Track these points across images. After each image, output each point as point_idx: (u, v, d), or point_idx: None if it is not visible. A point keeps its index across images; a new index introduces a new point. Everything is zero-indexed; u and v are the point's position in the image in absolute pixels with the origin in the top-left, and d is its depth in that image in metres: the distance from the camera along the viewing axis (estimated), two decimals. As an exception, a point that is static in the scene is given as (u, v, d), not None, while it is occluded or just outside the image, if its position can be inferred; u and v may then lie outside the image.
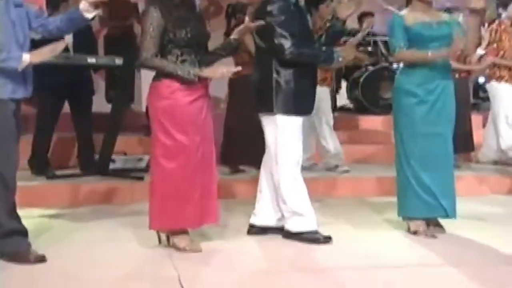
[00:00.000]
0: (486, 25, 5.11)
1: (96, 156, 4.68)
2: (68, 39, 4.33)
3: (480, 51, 4.75)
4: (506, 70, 5.03)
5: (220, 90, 4.81)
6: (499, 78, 5.05)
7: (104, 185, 4.37)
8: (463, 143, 4.85)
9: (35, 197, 4.02)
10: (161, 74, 2.97)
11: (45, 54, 2.78)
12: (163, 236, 3.14)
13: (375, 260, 3.04)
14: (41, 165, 4.54)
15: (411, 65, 3.39)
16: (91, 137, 4.70)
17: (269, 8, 3.16)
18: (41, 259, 2.86)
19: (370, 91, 6.49)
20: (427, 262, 3.04)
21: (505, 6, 5.00)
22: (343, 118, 6.16)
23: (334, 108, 6.08)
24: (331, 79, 5.20)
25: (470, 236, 3.45)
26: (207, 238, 3.28)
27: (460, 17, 4.33)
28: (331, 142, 4.93)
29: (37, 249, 2.92)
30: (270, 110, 3.20)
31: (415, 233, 3.42)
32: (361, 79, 6.53)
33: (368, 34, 6.76)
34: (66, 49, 4.08)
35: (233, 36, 3.12)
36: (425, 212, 3.41)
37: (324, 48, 3.30)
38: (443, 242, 3.33)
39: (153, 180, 3.06)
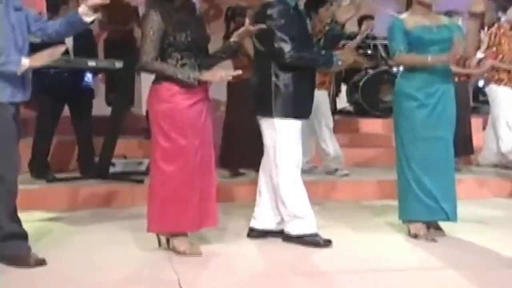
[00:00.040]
0: (486, 28, 5.12)
1: (96, 159, 4.68)
2: (68, 42, 4.36)
3: (479, 54, 4.76)
4: (505, 73, 5.04)
5: (220, 93, 4.82)
6: (498, 81, 5.05)
7: (104, 188, 4.37)
8: (463, 146, 4.85)
9: (35, 200, 4.02)
10: (161, 78, 2.98)
11: (44, 58, 2.79)
12: (163, 239, 3.14)
13: (376, 264, 3.04)
14: (41, 168, 4.54)
15: (411, 69, 3.39)
16: (91, 140, 4.70)
17: (269, 11, 3.17)
18: (41, 262, 2.86)
19: (370, 94, 6.50)
20: (427, 266, 3.04)
21: (504, 10, 5.01)
22: (343, 121, 6.17)
23: (334, 111, 6.09)
24: (330, 83, 5.20)
25: (471, 239, 3.45)
26: (207, 241, 3.28)
27: (460, 21, 4.34)
28: (331, 145, 4.94)
29: (37, 252, 2.92)
30: (269, 114, 3.21)
31: (415, 236, 3.41)
32: (361, 83, 6.54)
33: (368, 37, 6.78)
34: (66, 53, 4.10)
35: (233, 38, 3.13)
36: (426, 216, 3.41)
37: (323, 51, 3.30)
38: (443, 245, 3.33)
39: (152, 183, 3.06)
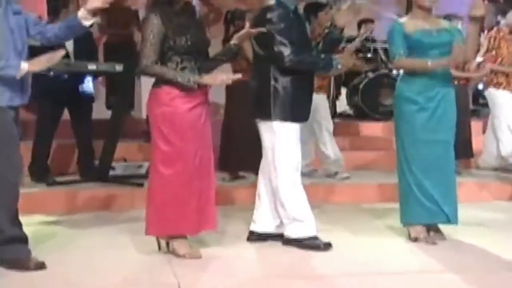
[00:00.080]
0: (486, 31, 5.13)
1: (96, 163, 4.68)
2: (69, 46, 4.36)
3: (478, 58, 4.76)
4: (504, 77, 5.05)
5: (219, 96, 4.82)
6: (497, 85, 5.06)
7: (104, 192, 4.37)
8: (463, 150, 4.85)
9: (35, 204, 4.02)
10: (161, 81, 2.98)
11: (43, 62, 2.79)
12: (163, 243, 3.13)
13: (376, 267, 3.03)
14: (41, 171, 4.54)
15: (411, 73, 3.40)
16: (91, 144, 4.70)
17: (268, 15, 3.17)
18: (41, 266, 2.86)
19: (370, 97, 6.50)
20: (428, 269, 3.03)
21: (504, 14, 5.02)
22: (343, 124, 6.17)
23: (334, 114, 6.09)
24: (329, 86, 5.21)
25: (471, 242, 3.45)
26: (207, 244, 3.28)
27: (459, 24, 4.35)
28: (330, 148, 4.94)
29: (37, 255, 2.92)
30: (267, 117, 3.21)
31: (415, 239, 3.41)
32: (361, 86, 6.54)
33: (368, 40, 6.79)
34: (66, 56, 4.11)
35: (233, 41, 3.14)
36: (427, 218, 3.41)
37: (322, 55, 3.31)
38: (444, 248, 3.33)
39: (151, 186, 3.06)
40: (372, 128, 6.28)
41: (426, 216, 3.39)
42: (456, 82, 4.59)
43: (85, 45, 4.48)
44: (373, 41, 6.85)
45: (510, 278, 2.90)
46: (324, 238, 3.29)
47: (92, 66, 4.30)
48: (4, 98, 2.78)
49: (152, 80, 3.06)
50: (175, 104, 2.95)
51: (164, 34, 2.93)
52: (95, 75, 4.79)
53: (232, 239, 3.44)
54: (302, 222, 3.26)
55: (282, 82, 3.20)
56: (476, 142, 5.31)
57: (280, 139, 3.22)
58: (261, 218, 3.39)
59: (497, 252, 3.25)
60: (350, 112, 7.07)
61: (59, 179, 4.58)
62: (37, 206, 4.00)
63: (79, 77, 4.59)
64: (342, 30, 3.38)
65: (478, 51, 4.45)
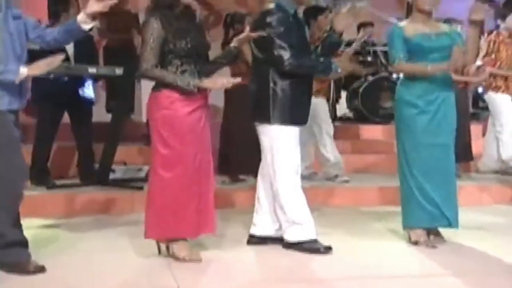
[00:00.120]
0: (486, 35, 5.13)
1: (96, 166, 4.68)
2: (69, 49, 4.37)
3: (478, 62, 4.77)
4: (502, 81, 5.05)
5: (219, 100, 4.83)
6: (496, 89, 5.07)
7: (103, 195, 4.37)
8: (463, 153, 4.85)
9: (35, 207, 4.01)
10: (160, 85, 2.98)
11: (42, 67, 2.80)
12: (163, 247, 3.13)
13: (376, 270, 3.03)
14: (41, 175, 4.54)
15: (411, 77, 3.40)
16: (91, 147, 4.70)
17: (268, 19, 3.18)
18: (41, 269, 2.85)
19: (370, 100, 6.51)
20: (428, 272, 3.03)
21: (503, 18, 5.03)
22: (343, 127, 6.17)
23: (334, 117, 6.09)
24: (328, 90, 5.21)
25: (472, 245, 3.45)
26: (206, 248, 3.28)
27: (459, 28, 4.35)
28: (330, 151, 4.94)
29: (37, 259, 2.92)
30: (267, 120, 3.21)
31: (415, 243, 3.41)
32: (361, 89, 6.55)
33: (367, 43, 6.80)
34: (67, 59, 4.11)
35: (233, 44, 3.14)
36: (427, 222, 3.41)
37: (321, 59, 3.31)
38: (444, 252, 3.32)
39: (151, 189, 3.06)
40: (372, 131, 6.28)
41: (427, 219, 3.39)
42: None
43: (85, 49, 4.49)
44: (373, 44, 6.86)
45: (511, 282, 2.89)
46: (324, 241, 3.29)
47: (92, 70, 4.31)
48: (3, 102, 2.79)
49: (152, 83, 3.06)
50: (175, 107, 2.95)
51: (164, 38, 2.94)
52: (95, 78, 4.80)
53: (231, 242, 3.44)
54: (302, 225, 3.26)
55: (281, 85, 3.20)
56: (476, 145, 5.31)
57: (279, 142, 3.22)
58: (261, 221, 3.39)
59: (498, 255, 3.24)
60: (350, 115, 7.07)
61: (59, 182, 4.58)
62: (37, 210, 4.00)
63: (79, 81, 4.59)
64: (341, 34, 3.38)
65: (477, 54, 4.45)
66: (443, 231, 3.50)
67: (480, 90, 6.05)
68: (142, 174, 4.75)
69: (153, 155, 3.02)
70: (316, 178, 4.99)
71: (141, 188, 4.38)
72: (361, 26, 6.64)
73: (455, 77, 4.45)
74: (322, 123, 4.91)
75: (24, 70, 2.76)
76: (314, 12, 4.73)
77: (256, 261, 3.22)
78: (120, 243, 3.45)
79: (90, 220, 4.06)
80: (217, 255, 3.20)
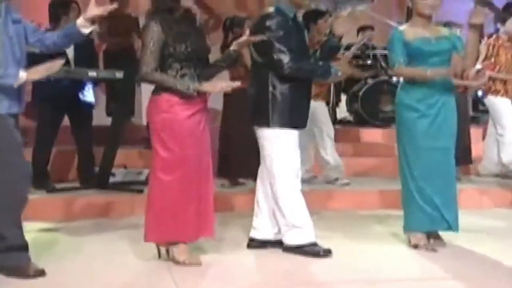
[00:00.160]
0: (486, 38, 5.14)
1: (96, 169, 4.68)
2: (70, 52, 4.38)
3: (477, 65, 4.77)
4: (501, 84, 5.06)
5: (219, 103, 4.83)
6: (495, 92, 5.07)
7: (103, 199, 4.37)
8: (463, 156, 4.85)
9: (35, 211, 3.99)
10: (160, 88, 2.99)
11: (41, 72, 2.80)
12: (163, 250, 3.13)
13: (376, 274, 3.03)
14: (40, 178, 4.54)
15: (411, 81, 3.40)
16: (91, 150, 4.70)
17: (267, 23, 3.18)
18: (41, 273, 2.85)
19: (370, 104, 6.51)
20: (428, 276, 3.03)
21: (503, 21, 5.03)
22: (343, 130, 6.17)
23: (334, 121, 6.09)
24: (328, 93, 5.21)
25: (472, 249, 3.44)
26: (206, 251, 3.27)
27: (459, 32, 4.36)
28: (331, 154, 4.94)
29: (37, 262, 2.91)
30: (266, 124, 3.22)
31: (415, 246, 3.41)
32: (361, 92, 6.55)
33: (367, 47, 6.81)
34: (67, 63, 4.12)
35: (233, 47, 3.15)
36: (428, 225, 3.41)
37: (321, 62, 3.32)
38: (444, 255, 3.32)
39: (151, 193, 3.06)
40: (372, 135, 6.28)
41: (427, 222, 3.39)
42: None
43: (85, 52, 4.49)
44: (373, 47, 6.87)
45: (511, 286, 2.89)
46: (324, 244, 3.29)
47: (92, 73, 4.31)
48: (3, 106, 2.79)
49: (153, 86, 3.07)
50: (175, 111, 2.96)
51: (164, 42, 2.94)
52: (95, 82, 4.80)
53: (231, 246, 3.44)
54: (301, 229, 3.26)
55: (280, 89, 3.21)
56: (476, 148, 5.31)
57: (278, 145, 3.22)
58: (261, 225, 3.39)
59: (497, 259, 3.24)
60: (350, 118, 7.08)
61: (58, 185, 4.58)
62: (36, 213, 3.99)
63: (80, 84, 4.60)
64: (340, 38, 3.39)
65: (477, 58, 4.45)
66: (443, 234, 3.50)
67: (479, 93, 6.05)
68: (142, 178, 4.75)
69: (153, 159, 3.02)
70: (316, 182, 4.98)
71: (141, 191, 4.38)
72: (361, 29, 6.65)
73: (455, 81, 4.46)
74: (322, 125, 4.91)
75: (23, 75, 2.77)
76: (314, 16, 4.73)
77: (256, 264, 3.21)
78: (120, 246, 3.45)
79: (90, 223, 4.05)
80: (217, 258, 3.20)
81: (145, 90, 4.50)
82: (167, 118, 2.95)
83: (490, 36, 5.13)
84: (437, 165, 3.35)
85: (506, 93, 5.06)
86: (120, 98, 4.98)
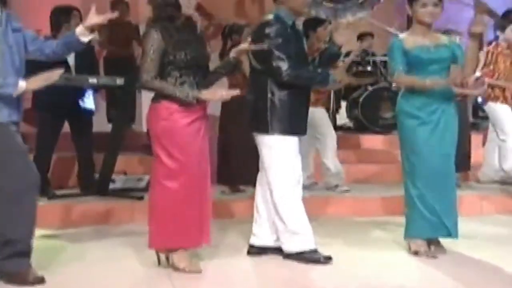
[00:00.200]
0: (486, 46, 5.15)
1: (96, 176, 4.68)
2: (70, 59, 4.39)
3: (477, 73, 4.78)
4: (500, 91, 5.06)
5: (216, 110, 4.83)
6: (495, 99, 5.07)
7: (103, 205, 4.37)
8: (462, 163, 4.85)
9: (35, 217, 4.00)
10: (160, 96, 3.00)
11: (41, 81, 2.81)
12: (163, 257, 3.13)
13: (376, 281, 3.02)
14: (41, 185, 4.53)
15: (410, 90, 3.41)
16: (91, 157, 4.70)
17: (266, 30, 3.19)
18: (40, 280, 2.85)
19: (370, 110, 6.52)
20: (428, 282, 3.02)
21: (502, 29, 5.04)
22: (344, 137, 6.17)
23: (334, 127, 6.10)
24: (328, 100, 5.22)
25: (472, 256, 3.44)
26: (205, 258, 3.27)
27: (458, 39, 4.37)
28: (331, 161, 4.94)
29: (36, 269, 2.91)
30: (265, 131, 3.22)
31: (416, 253, 3.40)
32: (361, 99, 6.56)
33: (367, 53, 6.83)
34: (67, 70, 4.13)
35: (232, 54, 3.16)
36: (429, 232, 3.41)
37: (319, 70, 3.33)
38: (444, 262, 3.32)
39: (153, 200, 3.06)
40: (372, 141, 6.28)
41: (428, 229, 3.39)
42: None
43: (86, 59, 4.50)
44: (373, 54, 6.89)
45: (511, 292, 2.89)
46: (324, 251, 3.29)
47: (92, 80, 4.32)
48: (3, 114, 2.81)
49: (153, 93, 3.08)
50: (174, 118, 2.96)
51: (164, 49, 2.96)
52: (95, 88, 4.81)
53: (231, 252, 3.44)
54: (301, 236, 3.25)
55: (279, 96, 3.22)
56: (476, 155, 5.31)
57: (277, 152, 3.22)
58: (261, 232, 3.39)
59: (498, 265, 3.23)
60: (350, 125, 7.08)
61: (59, 192, 4.58)
62: (37, 220, 3.99)
63: (80, 91, 4.61)
64: (340, 46, 3.40)
65: (477, 66, 4.46)
66: (443, 241, 3.50)
67: (479, 100, 6.06)
68: (143, 184, 4.75)
69: (155, 166, 3.03)
70: (316, 188, 4.98)
71: (141, 198, 4.38)
72: (361, 36, 6.67)
73: (455, 90, 4.47)
74: (324, 132, 4.91)
75: (22, 84, 2.78)
76: (313, 23, 4.75)
77: (255, 271, 3.21)
78: (120, 253, 3.45)
79: (90, 230, 4.05)
80: (216, 265, 3.20)
81: (146, 97, 4.50)
82: (167, 126, 2.96)
83: (489, 43, 5.14)
84: (438, 171, 3.35)
85: (505, 100, 5.06)
86: (121, 104, 4.98)
